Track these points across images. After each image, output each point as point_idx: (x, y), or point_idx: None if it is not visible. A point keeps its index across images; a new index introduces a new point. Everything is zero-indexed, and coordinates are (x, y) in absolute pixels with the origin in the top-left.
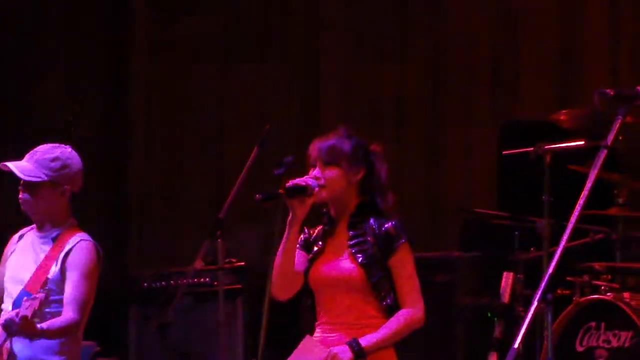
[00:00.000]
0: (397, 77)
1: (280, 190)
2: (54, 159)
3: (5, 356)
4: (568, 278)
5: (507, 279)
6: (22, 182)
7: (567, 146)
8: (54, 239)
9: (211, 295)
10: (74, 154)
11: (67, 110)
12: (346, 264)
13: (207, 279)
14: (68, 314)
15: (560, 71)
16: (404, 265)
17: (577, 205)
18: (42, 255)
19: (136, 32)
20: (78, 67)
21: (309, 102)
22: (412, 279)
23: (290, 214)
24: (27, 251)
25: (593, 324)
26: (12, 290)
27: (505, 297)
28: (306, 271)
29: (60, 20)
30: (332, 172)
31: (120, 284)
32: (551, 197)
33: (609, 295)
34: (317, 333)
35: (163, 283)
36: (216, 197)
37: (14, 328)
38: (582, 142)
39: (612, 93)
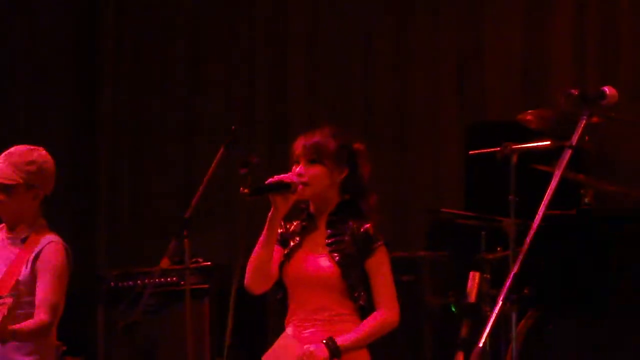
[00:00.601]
0: (365, 78)
1: (266, 183)
2: (30, 162)
3: None
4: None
5: (473, 279)
6: None
7: (533, 146)
8: (23, 240)
9: (178, 295)
10: (49, 157)
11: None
12: (323, 262)
13: (174, 279)
14: (40, 315)
15: (526, 72)
16: (380, 267)
17: (541, 205)
18: (12, 257)
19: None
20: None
21: (277, 100)
22: (388, 282)
23: (272, 209)
24: None
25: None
26: None
27: (472, 297)
28: (281, 265)
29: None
30: (316, 170)
31: (87, 284)
32: (517, 197)
33: None
34: (289, 328)
35: (130, 283)
36: (183, 197)
37: None
38: (548, 143)
39: (577, 93)
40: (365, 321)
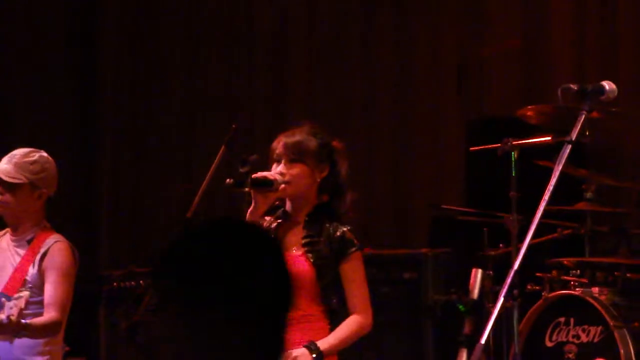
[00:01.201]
0: (364, 76)
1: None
2: (33, 162)
3: None
4: (537, 274)
5: (476, 276)
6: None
7: (534, 142)
8: (28, 241)
9: None
10: (51, 159)
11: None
12: (298, 262)
13: None
14: (50, 313)
15: (526, 67)
16: (356, 272)
17: (541, 201)
18: (18, 258)
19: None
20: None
21: (276, 99)
22: (363, 286)
23: (252, 206)
24: (2, 254)
25: (562, 319)
26: None
27: (474, 294)
28: None
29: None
30: (298, 169)
31: (90, 284)
32: (519, 193)
33: (578, 291)
34: None
35: (132, 283)
36: (185, 196)
37: (1, 328)
38: (549, 138)
39: (575, 88)
40: (342, 325)
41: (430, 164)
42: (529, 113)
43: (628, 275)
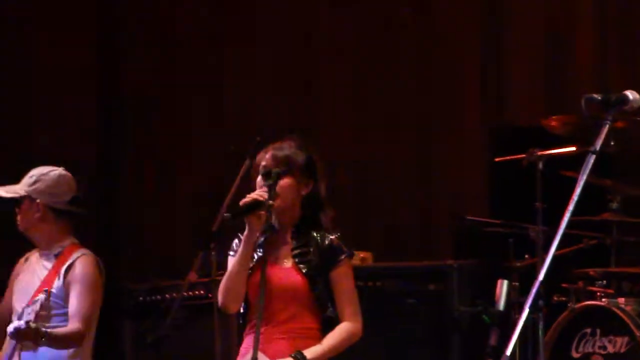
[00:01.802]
0: (386, 84)
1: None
2: (30, 176)
3: None
4: (563, 285)
5: (501, 287)
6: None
7: (558, 152)
8: (56, 256)
9: (206, 308)
10: (54, 172)
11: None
12: (290, 274)
13: (202, 292)
14: (73, 324)
15: (548, 77)
16: (345, 279)
17: (565, 211)
18: (45, 272)
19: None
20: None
21: (301, 108)
22: (352, 293)
23: (247, 230)
24: (31, 271)
25: (588, 330)
26: (19, 308)
27: (500, 305)
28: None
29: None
30: (287, 182)
31: (114, 299)
32: (544, 204)
33: (604, 301)
34: (251, 342)
35: (158, 297)
36: (210, 209)
37: (20, 334)
38: (573, 148)
39: (599, 98)
40: (332, 333)
41: (453, 173)
42: (553, 123)
43: None
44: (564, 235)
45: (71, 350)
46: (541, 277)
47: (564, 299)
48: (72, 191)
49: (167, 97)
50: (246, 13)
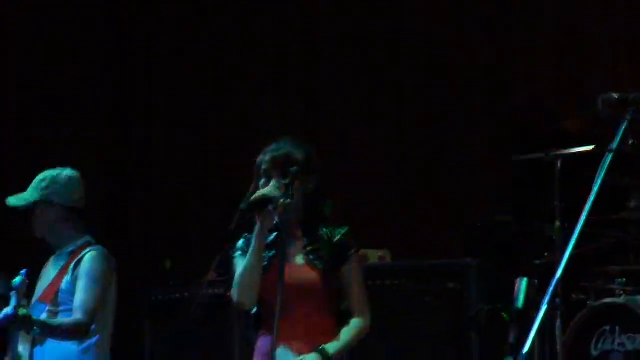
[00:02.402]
0: (394, 83)
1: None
2: (42, 180)
3: None
4: (582, 283)
5: (520, 284)
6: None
7: (576, 152)
8: (69, 254)
9: (224, 307)
10: (66, 171)
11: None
12: (305, 271)
13: (221, 291)
14: (76, 316)
15: (559, 74)
16: (355, 274)
17: (583, 210)
18: (58, 269)
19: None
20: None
21: (307, 116)
22: (362, 288)
23: (258, 227)
24: (47, 272)
25: (607, 327)
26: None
27: (519, 303)
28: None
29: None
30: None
31: (133, 298)
32: (563, 203)
33: (623, 299)
34: (266, 342)
35: (177, 295)
36: (227, 207)
37: (9, 321)
38: (591, 147)
39: (616, 97)
40: (347, 329)
41: (473, 172)
42: (569, 125)
43: None
44: (583, 233)
45: (82, 346)
46: (559, 274)
47: (583, 297)
48: (83, 190)
49: (177, 94)
50: None
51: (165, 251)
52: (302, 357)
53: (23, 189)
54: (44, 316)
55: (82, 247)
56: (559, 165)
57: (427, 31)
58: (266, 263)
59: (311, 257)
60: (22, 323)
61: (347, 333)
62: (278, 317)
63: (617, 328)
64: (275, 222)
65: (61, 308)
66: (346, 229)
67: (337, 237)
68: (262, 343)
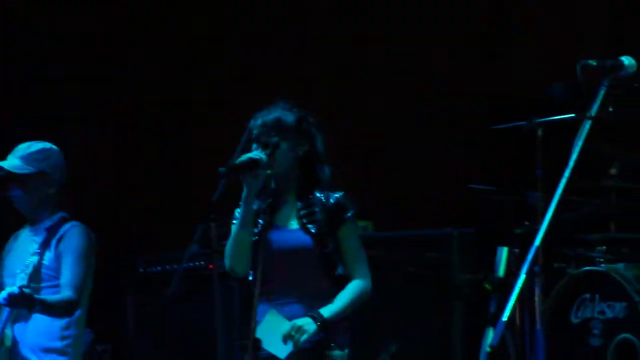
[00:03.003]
0: (385, 52)
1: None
2: (37, 152)
3: (8, 343)
4: (563, 251)
5: (501, 254)
6: (9, 179)
7: (557, 119)
8: (46, 229)
9: (207, 279)
10: (53, 147)
11: None
12: (300, 235)
13: (203, 263)
14: (66, 293)
15: (553, 42)
16: (352, 237)
17: (562, 177)
18: (36, 246)
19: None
20: None
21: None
22: (360, 251)
23: (245, 190)
24: (21, 246)
25: (587, 295)
26: (10, 284)
27: (500, 272)
28: (253, 245)
29: None
30: (280, 146)
31: (116, 270)
32: (544, 171)
33: (603, 267)
34: (266, 307)
35: (159, 268)
36: (211, 180)
37: (13, 299)
38: (572, 115)
39: (595, 64)
40: (344, 292)
41: (454, 142)
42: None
43: None
44: (563, 201)
45: (64, 322)
46: (537, 242)
47: (563, 265)
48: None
49: (168, 74)
50: None
51: (148, 224)
52: (293, 321)
53: None
54: (23, 282)
55: (59, 223)
56: (540, 133)
57: None
58: (259, 229)
59: (304, 220)
60: (25, 301)
61: (344, 296)
62: (258, 285)
63: (597, 296)
64: (272, 188)
65: (43, 284)
66: (341, 193)
67: (332, 200)
68: (260, 310)
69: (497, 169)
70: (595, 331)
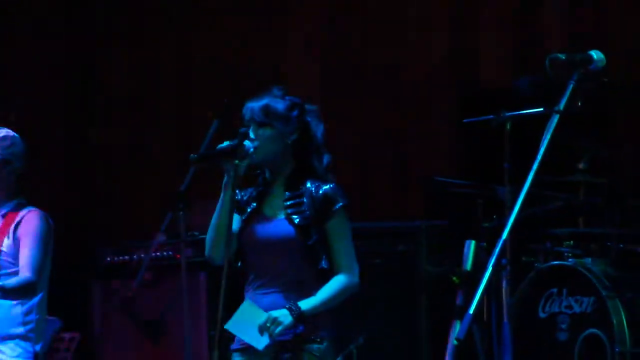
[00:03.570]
0: (355, 42)
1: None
2: (3, 138)
3: None
4: (531, 245)
5: (469, 247)
6: None
7: (526, 113)
8: (3, 216)
9: (174, 269)
10: (15, 134)
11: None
12: (283, 225)
13: (170, 253)
14: (25, 274)
15: (520, 35)
16: (341, 229)
17: (530, 171)
18: None
19: None
20: None
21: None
22: (348, 244)
23: (225, 177)
24: None
25: (555, 290)
26: None
27: (467, 265)
28: (239, 233)
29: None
30: (266, 133)
31: (83, 259)
32: (513, 165)
33: (571, 261)
34: (249, 296)
35: (126, 257)
36: (179, 169)
37: None
38: (541, 109)
39: (564, 58)
40: (327, 286)
41: (423, 135)
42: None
43: (621, 245)
44: (531, 195)
45: (25, 307)
46: (504, 235)
47: (531, 259)
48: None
49: (135, 67)
50: None
51: (115, 212)
52: (268, 312)
53: None
54: None
55: (16, 209)
56: (508, 127)
57: None
58: (245, 217)
59: (289, 211)
60: None
61: (325, 290)
62: (225, 275)
63: (565, 290)
64: (262, 177)
65: (2, 272)
66: (332, 184)
67: (321, 192)
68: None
69: (466, 162)
70: (563, 326)
